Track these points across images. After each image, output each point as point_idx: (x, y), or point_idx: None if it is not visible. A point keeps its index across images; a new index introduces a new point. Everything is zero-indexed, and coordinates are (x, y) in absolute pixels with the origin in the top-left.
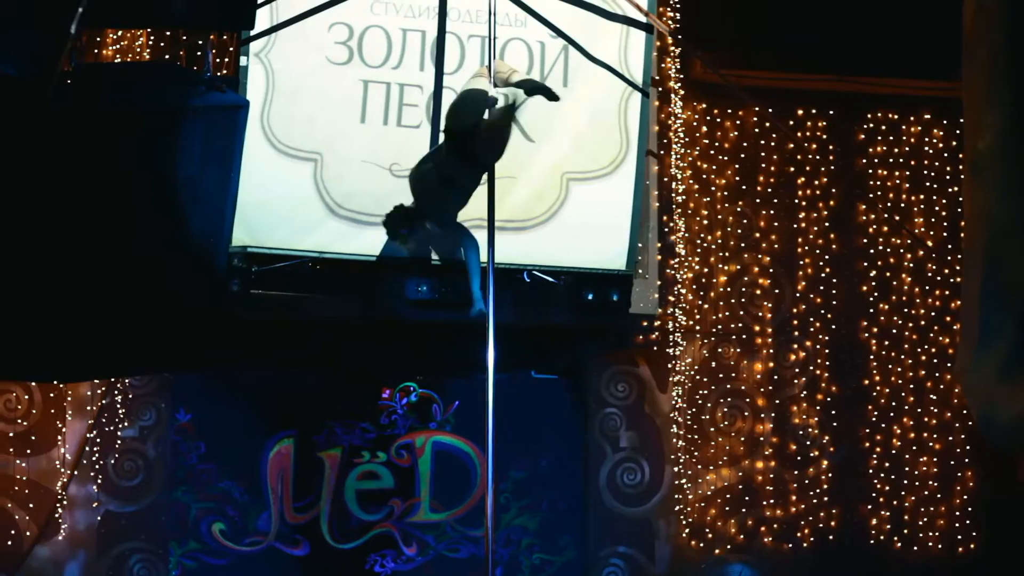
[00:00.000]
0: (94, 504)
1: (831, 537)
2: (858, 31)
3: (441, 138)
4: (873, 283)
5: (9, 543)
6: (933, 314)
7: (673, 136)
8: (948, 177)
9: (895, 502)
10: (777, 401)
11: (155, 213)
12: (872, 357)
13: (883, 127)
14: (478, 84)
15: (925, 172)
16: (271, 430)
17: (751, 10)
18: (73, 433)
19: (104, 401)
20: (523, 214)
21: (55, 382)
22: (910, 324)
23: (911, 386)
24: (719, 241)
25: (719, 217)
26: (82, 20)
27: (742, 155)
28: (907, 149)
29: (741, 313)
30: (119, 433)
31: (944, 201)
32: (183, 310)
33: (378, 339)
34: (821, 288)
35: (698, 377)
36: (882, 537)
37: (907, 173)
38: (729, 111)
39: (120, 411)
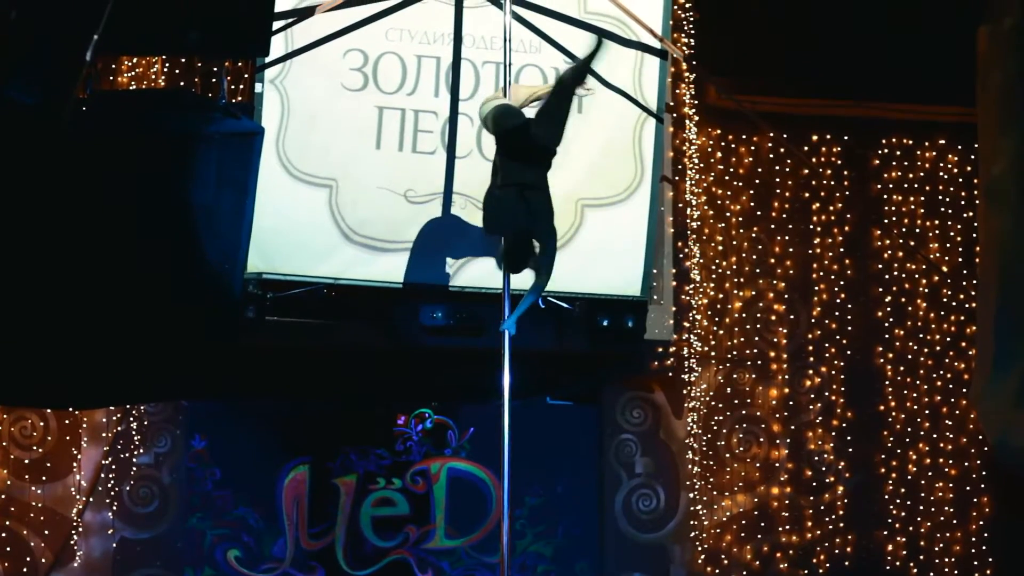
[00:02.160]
0: (109, 531)
1: (847, 563)
2: (872, 57)
3: (486, 165)
4: (888, 308)
5: (25, 570)
6: (948, 339)
7: (688, 162)
8: (963, 202)
9: (911, 528)
10: (792, 427)
11: (170, 240)
12: (887, 383)
13: (898, 152)
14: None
15: (940, 197)
16: (286, 457)
17: (766, 36)
18: (88, 460)
19: (119, 428)
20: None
21: (70, 409)
22: (925, 349)
23: (927, 412)
24: (734, 267)
25: (734, 243)
26: (97, 47)
27: (757, 181)
28: (922, 174)
29: (756, 339)
30: (134, 460)
31: (959, 226)
32: (198, 337)
33: (393, 365)
34: (836, 314)
35: (713, 403)
36: (898, 563)
37: (922, 198)
38: (744, 137)
39: (135, 438)
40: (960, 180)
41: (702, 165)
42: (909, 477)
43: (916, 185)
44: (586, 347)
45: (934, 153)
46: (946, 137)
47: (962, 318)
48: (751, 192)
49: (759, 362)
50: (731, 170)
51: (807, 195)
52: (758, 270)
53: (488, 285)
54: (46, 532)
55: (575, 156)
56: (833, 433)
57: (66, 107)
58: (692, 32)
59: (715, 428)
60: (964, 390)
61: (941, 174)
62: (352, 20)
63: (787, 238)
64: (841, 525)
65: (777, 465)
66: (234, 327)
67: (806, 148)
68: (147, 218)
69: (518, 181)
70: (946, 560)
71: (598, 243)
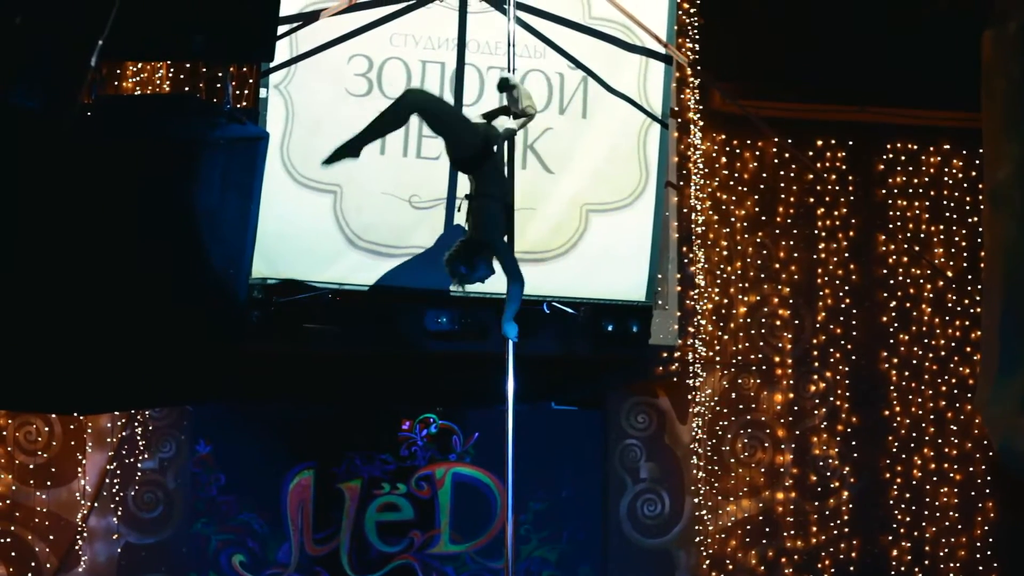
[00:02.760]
0: (114, 536)
1: (851, 568)
2: (877, 62)
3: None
4: (893, 313)
5: (29, 575)
6: (953, 344)
7: (692, 167)
8: (967, 207)
9: (916, 533)
10: (797, 432)
11: (175, 245)
12: (892, 388)
13: (902, 157)
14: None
15: (944, 202)
16: (291, 462)
17: (770, 41)
18: (93, 465)
19: (124, 433)
20: (543, 245)
21: (75, 414)
22: (930, 355)
23: (931, 417)
24: (739, 272)
25: (739, 248)
26: (102, 53)
27: (761, 186)
28: (926, 179)
29: (761, 344)
30: (139, 465)
31: (964, 231)
32: (203, 342)
33: (398, 371)
34: (841, 319)
35: (718, 408)
36: (903, 568)
37: (926, 203)
38: (748, 142)
39: (140, 443)
40: (964, 185)
41: (707, 170)
42: (914, 482)
43: (920, 190)
44: (591, 352)
45: (938, 158)
46: (950, 142)
47: (967, 323)
48: (756, 197)
49: (764, 367)
50: (736, 175)
51: (812, 200)
52: (763, 275)
53: (493, 290)
54: (51, 537)
55: (580, 161)
56: (838, 438)
57: (71, 112)
58: (696, 37)
59: (720, 433)
60: (969, 395)
61: (945, 179)
62: (357, 25)
63: (792, 243)
64: (846, 530)
65: (782, 470)
66: (239, 332)
67: (811, 153)
68: (151, 223)
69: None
70: (951, 565)
71: (603, 248)
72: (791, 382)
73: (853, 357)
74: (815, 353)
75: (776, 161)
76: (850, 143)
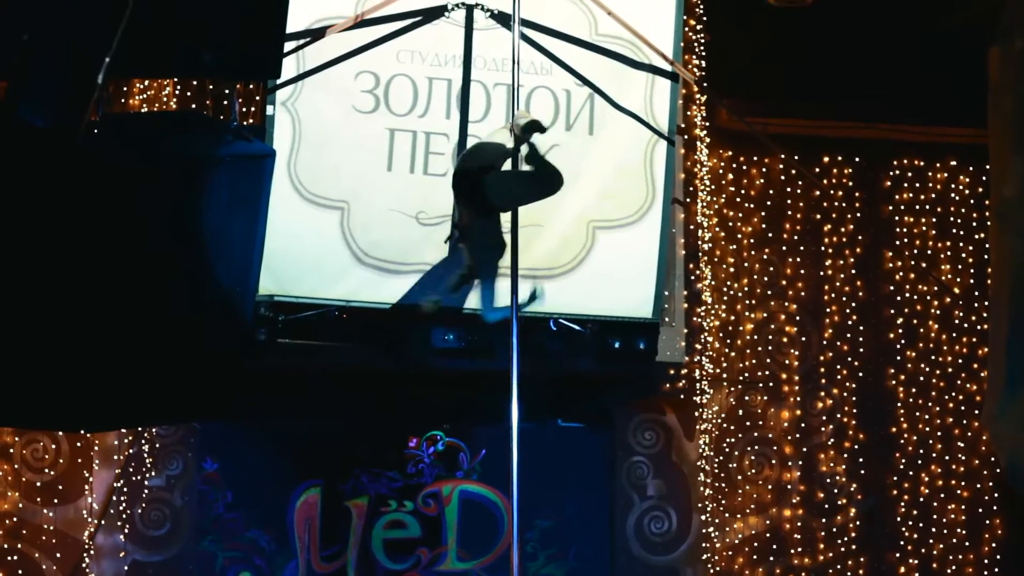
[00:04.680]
0: (121, 554)
1: None
2: (883, 78)
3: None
4: (900, 330)
5: None
6: (960, 361)
7: (699, 184)
8: (974, 224)
9: (923, 550)
10: (804, 449)
11: (182, 262)
12: (899, 404)
13: (909, 174)
14: (498, 137)
15: (951, 219)
16: (298, 479)
17: (776, 58)
18: (100, 482)
19: (131, 450)
20: (549, 262)
21: (82, 431)
22: (937, 371)
23: (938, 433)
24: (745, 289)
25: (745, 265)
26: (109, 70)
27: (768, 203)
28: (933, 196)
29: (768, 361)
30: (146, 482)
31: (971, 248)
32: (210, 359)
33: (405, 388)
34: (848, 335)
35: (725, 425)
36: None
37: (933, 220)
38: (755, 158)
39: (147, 460)
40: (971, 201)
41: (713, 187)
42: (921, 499)
43: (927, 206)
44: (598, 369)
45: (945, 174)
46: (957, 158)
47: (974, 339)
48: (762, 214)
49: (771, 384)
50: (742, 192)
51: (818, 217)
52: (769, 292)
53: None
54: (58, 555)
55: (587, 178)
56: (845, 455)
57: (78, 130)
58: (703, 54)
59: (727, 450)
60: (976, 412)
61: (952, 195)
62: (363, 42)
63: (798, 260)
64: (853, 547)
65: (789, 487)
66: (246, 349)
67: (817, 170)
68: (158, 240)
69: (455, 222)
70: None
71: (610, 265)
72: (798, 399)
73: (860, 374)
74: (822, 370)
75: (783, 178)
76: (857, 160)
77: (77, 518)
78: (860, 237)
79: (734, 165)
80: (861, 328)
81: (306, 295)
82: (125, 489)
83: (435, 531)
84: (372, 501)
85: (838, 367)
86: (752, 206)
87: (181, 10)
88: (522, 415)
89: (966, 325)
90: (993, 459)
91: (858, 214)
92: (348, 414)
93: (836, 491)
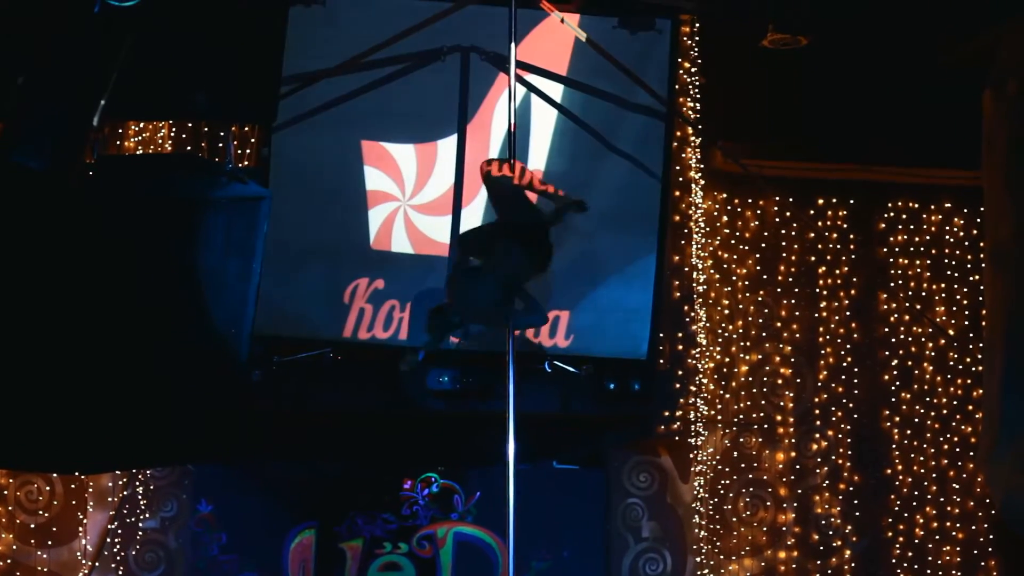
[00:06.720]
0: None
1: None
2: (878, 121)
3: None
4: (895, 372)
5: None
6: (955, 403)
7: (694, 226)
8: (969, 265)
9: None
10: (799, 491)
11: (177, 304)
12: (894, 446)
13: (904, 216)
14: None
15: (946, 261)
16: (292, 521)
17: (771, 100)
18: (94, 524)
19: (125, 492)
20: (544, 303)
21: (76, 473)
22: (932, 413)
23: (934, 475)
24: (740, 331)
25: (740, 307)
26: (104, 112)
27: (763, 244)
28: (928, 238)
29: (763, 403)
30: (140, 524)
31: (965, 289)
32: (204, 401)
33: (399, 430)
34: (843, 377)
35: (720, 467)
36: None
37: (928, 262)
38: (750, 200)
39: (141, 502)
40: (966, 243)
41: (708, 229)
42: (916, 541)
43: (922, 248)
44: (592, 410)
45: (940, 216)
46: (952, 200)
47: (969, 381)
48: (757, 256)
49: (766, 426)
50: (737, 234)
51: (813, 259)
52: (764, 334)
53: (495, 349)
54: None
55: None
56: (840, 497)
57: (73, 172)
58: (698, 96)
59: (722, 492)
60: (971, 453)
61: (947, 237)
62: (358, 85)
63: (793, 302)
64: None
65: (784, 529)
66: (240, 391)
67: (812, 212)
68: (153, 282)
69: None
70: None
71: (604, 306)
72: (793, 441)
73: (855, 416)
74: (817, 412)
75: (777, 220)
76: (851, 202)
77: (71, 560)
78: (855, 279)
79: (728, 207)
80: (856, 370)
81: (301, 336)
82: (119, 531)
83: (430, 573)
84: (367, 543)
85: (833, 409)
86: (747, 248)
87: (177, 52)
88: (517, 457)
89: (961, 367)
90: (988, 501)
91: (853, 256)
92: (343, 456)
93: (831, 533)
